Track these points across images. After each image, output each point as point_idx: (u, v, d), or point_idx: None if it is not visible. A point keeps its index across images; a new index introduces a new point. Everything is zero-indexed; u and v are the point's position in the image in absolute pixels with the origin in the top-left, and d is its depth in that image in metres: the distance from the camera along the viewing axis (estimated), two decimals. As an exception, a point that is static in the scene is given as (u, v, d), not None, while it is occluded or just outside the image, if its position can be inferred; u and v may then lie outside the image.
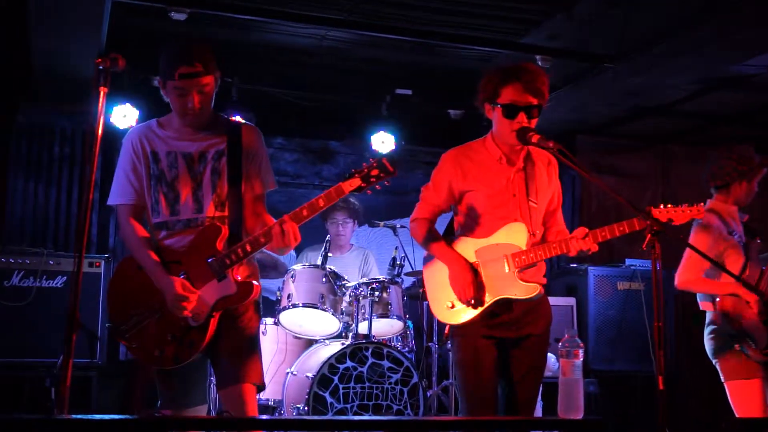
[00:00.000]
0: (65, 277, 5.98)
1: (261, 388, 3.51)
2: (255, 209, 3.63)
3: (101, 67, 3.08)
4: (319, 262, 5.86)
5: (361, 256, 6.70)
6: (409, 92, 7.48)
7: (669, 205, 3.63)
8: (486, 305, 3.72)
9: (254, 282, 3.49)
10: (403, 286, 6.00)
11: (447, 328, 3.86)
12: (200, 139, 3.58)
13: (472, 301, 3.71)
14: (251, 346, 3.56)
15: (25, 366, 5.80)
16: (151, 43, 6.50)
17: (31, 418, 2.21)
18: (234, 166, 3.56)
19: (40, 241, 6.98)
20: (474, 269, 3.75)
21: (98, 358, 6.01)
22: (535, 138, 3.65)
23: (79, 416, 2.30)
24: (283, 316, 5.75)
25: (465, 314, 3.74)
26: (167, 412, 3.51)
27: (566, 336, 3.20)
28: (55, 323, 5.78)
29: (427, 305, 6.76)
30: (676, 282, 4.54)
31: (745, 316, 4.38)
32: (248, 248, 3.42)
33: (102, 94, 3.08)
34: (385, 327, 5.88)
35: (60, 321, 5.69)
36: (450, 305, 3.77)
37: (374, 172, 3.35)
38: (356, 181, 3.34)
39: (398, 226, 6.59)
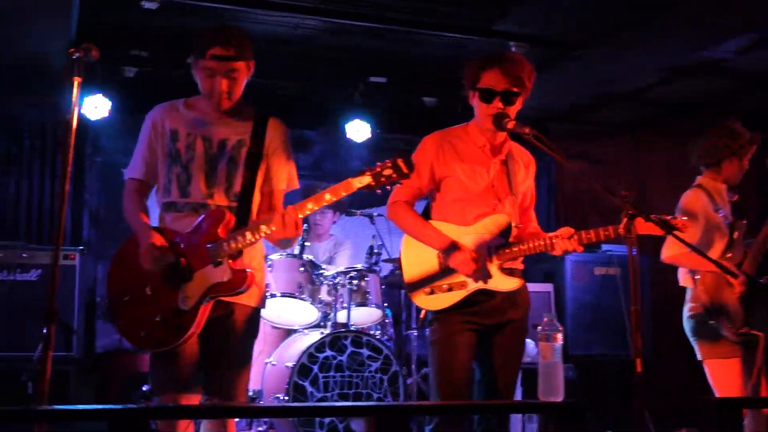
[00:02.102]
0: (39, 270, 5.95)
1: None
2: (271, 205, 3.62)
3: (74, 57, 3.07)
4: (296, 252, 5.85)
5: (336, 245, 6.71)
6: (384, 80, 7.46)
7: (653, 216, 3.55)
8: (467, 293, 3.74)
9: (248, 270, 3.43)
10: (380, 275, 6.03)
11: (423, 312, 3.87)
12: (224, 126, 3.57)
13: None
14: (244, 360, 3.57)
15: (0, 360, 5.76)
16: (122, 34, 6.51)
17: (18, 408, 2.21)
18: (253, 159, 3.54)
19: (11, 235, 6.91)
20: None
21: (75, 351, 5.99)
22: (510, 124, 3.69)
23: (68, 407, 2.30)
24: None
25: (443, 300, 3.76)
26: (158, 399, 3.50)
27: (545, 320, 3.24)
28: (30, 316, 5.73)
29: (405, 293, 6.82)
30: (662, 255, 4.53)
31: (724, 294, 4.41)
32: (248, 236, 3.38)
33: (76, 84, 3.08)
34: (364, 315, 5.91)
35: (35, 314, 5.58)
36: (428, 290, 3.77)
37: (387, 173, 3.27)
38: (366, 179, 3.28)
39: (375, 214, 6.59)
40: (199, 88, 3.54)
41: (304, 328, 5.80)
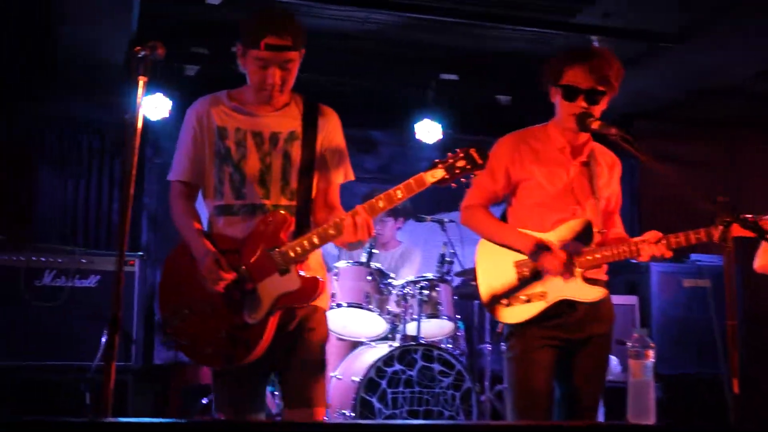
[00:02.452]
0: (98, 276, 6.07)
1: None
2: (327, 201, 3.56)
3: (140, 55, 3.02)
4: (363, 260, 5.88)
5: (403, 254, 6.71)
6: (456, 77, 7.46)
7: (750, 217, 3.43)
8: (548, 305, 3.71)
9: (319, 278, 3.38)
10: (452, 285, 6.01)
11: (500, 326, 3.85)
12: (274, 118, 3.51)
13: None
14: (321, 365, 3.52)
15: (58, 369, 5.88)
16: (184, 30, 6.63)
17: (80, 421, 2.25)
18: (308, 151, 3.48)
19: (69, 239, 7.10)
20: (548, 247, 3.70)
21: (133, 361, 6.09)
22: (595, 124, 3.65)
23: (131, 419, 2.33)
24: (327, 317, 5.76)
25: (522, 312, 3.73)
26: (221, 416, 3.47)
27: (635, 335, 3.19)
28: (89, 324, 5.85)
29: (479, 304, 6.78)
30: (755, 264, 4.44)
31: None
32: (315, 240, 3.32)
33: (141, 83, 3.05)
34: (435, 328, 5.89)
35: (93, 322, 5.78)
36: (506, 302, 3.75)
37: (460, 164, 3.22)
38: (439, 172, 3.22)
39: (446, 220, 6.59)
40: (248, 79, 3.48)
41: (371, 341, 5.82)
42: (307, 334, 3.49)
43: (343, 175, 3.59)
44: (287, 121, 3.51)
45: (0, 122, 7.12)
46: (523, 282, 3.74)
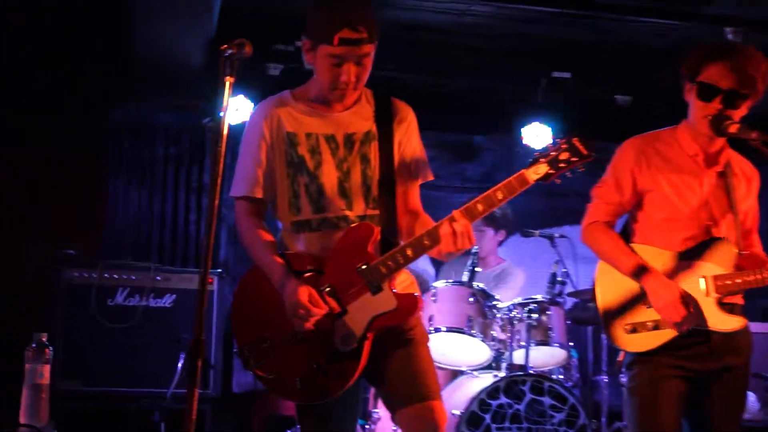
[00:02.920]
0: (174, 296, 6.17)
1: None
2: (408, 205, 3.53)
3: (226, 54, 3.00)
4: (465, 279, 5.85)
5: (504, 273, 6.68)
6: (568, 75, 7.45)
7: None
8: (677, 332, 3.64)
9: (416, 294, 3.34)
10: (565, 308, 5.97)
11: (621, 354, 3.81)
12: (346, 118, 3.47)
13: (684, 326, 3.61)
14: (429, 363, 3.44)
15: (130, 396, 5.98)
16: (264, 26, 6.74)
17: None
18: (386, 152, 3.44)
19: (142, 254, 7.25)
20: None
21: (211, 389, 6.15)
22: (733, 128, 3.59)
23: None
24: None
25: (648, 340, 3.67)
26: None
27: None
28: (164, 348, 5.95)
29: (594, 330, 6.72)
30: None
31: None
32: (409, 253, 3.26)
33: (228, 84, 3.02)
34: (545, 356, 5.85)
35: (169, 345, 5.88)
36: (630, 328, 3.70)
37: (564, 156, 3.21)
38: (542, 168, 3.20)
39: (557, 235, 6.54)
40: (317, 77, 3.42)
41: (473, 370, 5.80)
42: (405, 335, 3.42)
43: (422, 175, 3.55)
44: (360, 120, 3.48)
45: (70, 129, 7.31)
46: (651, 305, 3.68)
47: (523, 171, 3.22)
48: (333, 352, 3.29)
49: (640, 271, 3.66)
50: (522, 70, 7.49)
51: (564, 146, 3.23)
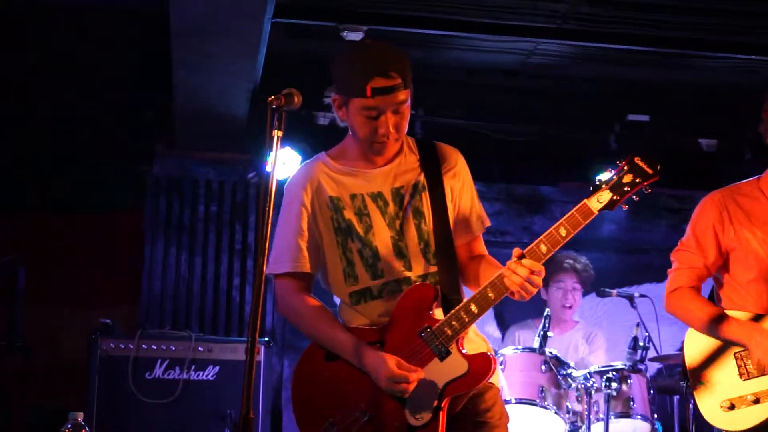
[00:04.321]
0: (217, 367, 6.16)
1: None
2: (473, 254, 3.54)
3: (273, 106, 3.07)
4: (536, 345, 5.85)
5: (584, 336, 6.69)
6: (646, 118, 7.47)
7: None
8: None
9: (489, 353, 3.34)
10: (648, 375, 5.94)
11: None
12: (391, 172, 3.51)
13: None
14: None
15: (171, 477, 6.03)
16: (314, 71, 6.84)
17: None
18: (439, 202, 3.46)
19: (182, 322, 7.35)
20: None
21: (262, 471, 6.18)
22: (829, 176, 3.62)
23: None
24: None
25: (748, 417, 3.65)
26: None
27: None
28: (207, 425, 5.97)
29: (680, 400, 6.64)
30: None
31: None
32: (474, 310, 3.28)
33: (276, 138, 3.09)
34: (627, 430, 5.81)
35: (212, 422, 5.91)
36: (727, 404, 3.69)
37: (627, 178, 3.22)
38: (606, 195, 3.23)
39: (636, 295, 6.53)
40: (353, 133, 3.46)
41: (547, 447, 5.78)
42: (480, 417, 3.41)
43: (481, 222, 3.56)
44: (407, 172, 3.52)
45: (104, 186, 7.48)
46: (749, 377, 3.68)
47: (584, 201, 3.23)
48: (406, 427, 3.29)
49: (736, 329, 3.67)
50: (595, 112, 7.54)
51: (626, 167, 3.24)
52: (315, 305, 3.48)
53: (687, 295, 3.83)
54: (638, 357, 5.97)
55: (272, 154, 3.08)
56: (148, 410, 6.03)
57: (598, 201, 3.20)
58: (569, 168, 7.87)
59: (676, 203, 7.79)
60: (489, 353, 3.35)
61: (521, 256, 3.20)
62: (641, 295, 6.50)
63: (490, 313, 8.06)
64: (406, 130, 3.46)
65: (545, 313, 6.01)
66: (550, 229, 3.22)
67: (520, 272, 3.17)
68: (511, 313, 7.58)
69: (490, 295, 3.26)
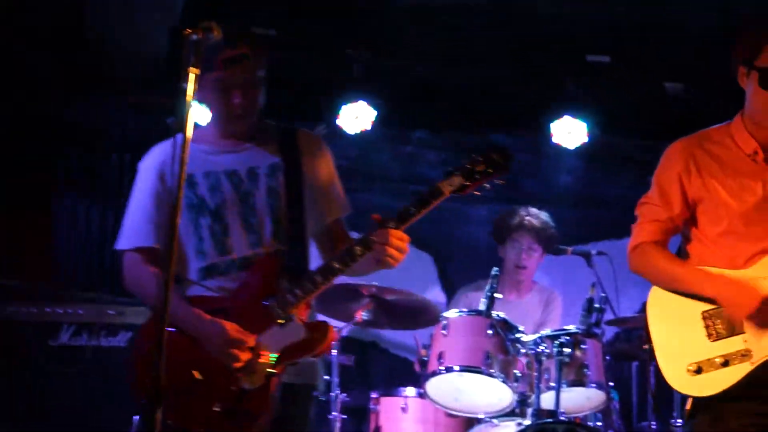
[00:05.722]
0: (130, 333, 6.16)
1: None
2: (337, 243, 3.91)
3: (192, 39, 3.11)
4: (482, 307, 5.81)
5: (541, 300, 6.79)
6: (607, 59, 7.48)
7: None
8: (753, 367, 3.66)
9: (330, 324, 3.75)
10: (604, 340, 5.97)
11: (689, 402, 3.83)
12: (247, 151, 3.92)
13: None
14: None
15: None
16: (237, 8, 6.79)
17: None
18: (294, 184, 3.87)
19: (94, 283, 7.31)
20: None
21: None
22: (807, 119, 3.69)
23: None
24: (432, 385, 5.79)
25: (716, 380, 3.69)
26: None
27: None
28: (118, 394, 5.94)
29: (638, 366, 6.70)
30: None
31: None
32: (318, 279, 3.67)
33: (192, 77, 3.12)
34: (580, 399, 5.85)
35: (125, 391, 5.91)
36: (694, 367, 3.73)
37: (480, 167, 3.66)
38: (457, 180, 3.65)
39: (594, 252, 6.64)
40: (209, 109, 3.83)
41: (492, 417, 5.81)
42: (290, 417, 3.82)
43: (340, 208, 4.02)
44: (265, 152, 3.92)
45: (13, 138, 7.41)
46: (718, 338, 3.75)
47: (437, 183, 3.66)
48: (238, 392, 3.62)
49: (705, 284, 3.76)
50: (551, 54, 7.52)
51: (480, 158, 3.69)
52: (157, 275, 3.73)
53: (650, 250, 3.92)
54: (593, 320, 5.90)
55: (188, 94, 3.14)
56: (54, 380, 6.01)
57: (450, 185, 3.66)
58: (522, 115, 7.90)
59: (640, 153, 7.77)
60: (332, 326, 3.75)
61: (382, 223, 3.63)
62: (599, 253, 6.60)
63: (433, 277, 8.20)
64: (259, 104, 3.87)
65: (492, 272, 5.96)
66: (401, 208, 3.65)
67: (392, 240, 3.60)
68: (460, 274, 7.63)
69: (336, 265, 3.67)
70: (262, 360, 3.63)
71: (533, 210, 6.86)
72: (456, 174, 3.65)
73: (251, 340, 3.62)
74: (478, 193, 3.70)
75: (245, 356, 3.60)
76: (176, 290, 3.66)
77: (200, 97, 3.73)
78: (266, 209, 3.85)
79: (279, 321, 3.67)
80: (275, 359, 3.64)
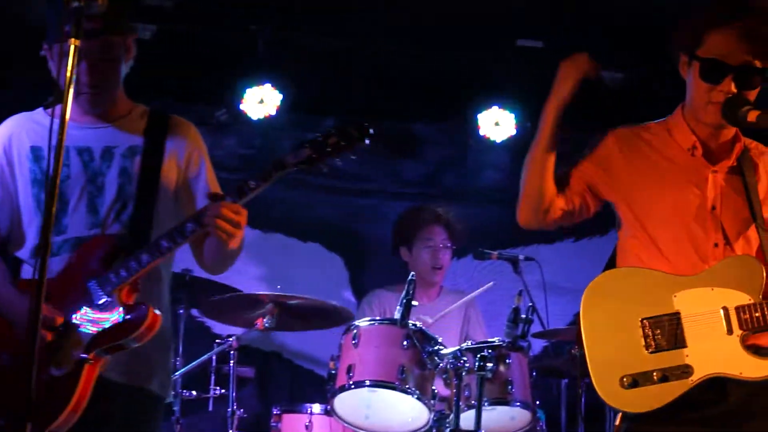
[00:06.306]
0: None
1: None
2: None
3: (73, 6, 3.09)
4: (397, 315, 5.76)
5: (461, 307, 6.71)
6: (539, 44, 7.54)
7: None
8: (692, 385, 3.63)
9: (151, 308, 3.69)
10: (530, 354, 6.00)
11: (619, 418, 3.79)
12: (107, 129, 3.98)
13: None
14: None
15: None
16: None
17: None
18: (151, 170, 3.93)
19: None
20: None
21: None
22: (752, 115, 3.62)
23: None
24: (340, 401, 5.77)
25: (652, 396, 3.65)
26: None
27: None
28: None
29: (567, 384, 6.74)
30: None
31: None
32: (144, 258, 3.69)
33: (72, 48, 3.09)
34: (503, 419, 5.87)
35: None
36: (628, 380, 3.66)
37: (332, 140, 3.67)
38: (305, 152, 3.68)
39: (521, 257, 6.64)
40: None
41: (407, 437, 5.80)
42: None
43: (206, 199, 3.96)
44: (126, 133, 4.01)
45: None
46: (657, 349, 3.69)
47: (283, 155, 3.72)
48: (47, 379, 3.59)
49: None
50: (477, 38, 7.47)
51: (333, 131, 3.71)
52: None
53: None
54: (519, 332, 5.89)
55: (68, 69, 3.09)
56: None
57: (296, 156, 3.70)
58: (448, 103, 7.91)
59: (574, 148, 7.81)
60: (155, 311, 3.71)
61: (215, 197, 3.75)
62: (527, 258, 6.63)
63: (344, 278, 8.17)
64: (116, 82, 3.96)
65: (409, 277, 5.89)
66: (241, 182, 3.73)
67: (223, 212, 3.65)
68: (375, 277, 7.60)
69: (163, 243, 3.71)
70: (72, 342, 3.63)
71: (441, 205, 6.94)
72: (305, 146, 3.68)
73: (60, 319, 3.65)
74: (326, 168, 3.71)
75: (49, 336, 3.62)
76: (6, 274, 3.86)
77: (53, 69, 3.85)
78: (114, 190, 3.90)
79: (98, 303, 3.68)
80: (88, 341, 3.64)
